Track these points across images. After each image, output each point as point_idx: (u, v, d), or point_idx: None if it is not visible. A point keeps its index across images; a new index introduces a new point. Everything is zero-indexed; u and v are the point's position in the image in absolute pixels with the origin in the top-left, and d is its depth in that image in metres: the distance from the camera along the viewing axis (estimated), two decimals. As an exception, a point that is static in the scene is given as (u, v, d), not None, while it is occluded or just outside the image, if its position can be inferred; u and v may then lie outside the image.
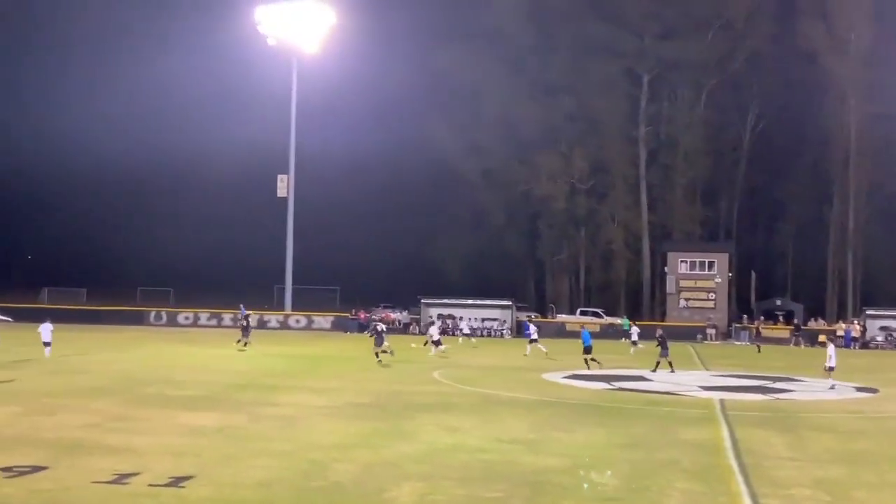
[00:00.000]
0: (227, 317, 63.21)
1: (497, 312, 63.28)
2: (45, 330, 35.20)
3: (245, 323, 42.80)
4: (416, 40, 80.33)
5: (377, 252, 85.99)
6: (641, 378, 31.76)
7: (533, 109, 77.85)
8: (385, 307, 69.91)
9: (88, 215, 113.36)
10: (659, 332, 39.92)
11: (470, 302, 64.07)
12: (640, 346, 46.03)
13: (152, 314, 66.41)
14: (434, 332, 42.27)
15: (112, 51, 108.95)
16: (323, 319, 65.08)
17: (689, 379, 32.23)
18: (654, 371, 33.47)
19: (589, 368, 33.84)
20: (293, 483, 13.60)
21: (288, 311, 67.15)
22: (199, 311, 65.61)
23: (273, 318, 64.88)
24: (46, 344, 34.76)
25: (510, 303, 64.65)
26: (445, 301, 64.33)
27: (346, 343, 48.51)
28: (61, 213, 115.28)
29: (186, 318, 65.38)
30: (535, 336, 43.20)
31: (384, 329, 37.67)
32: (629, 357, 42.31)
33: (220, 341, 46.32)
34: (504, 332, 62.42)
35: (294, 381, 28.55)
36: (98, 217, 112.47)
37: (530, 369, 33.92)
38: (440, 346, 40.71)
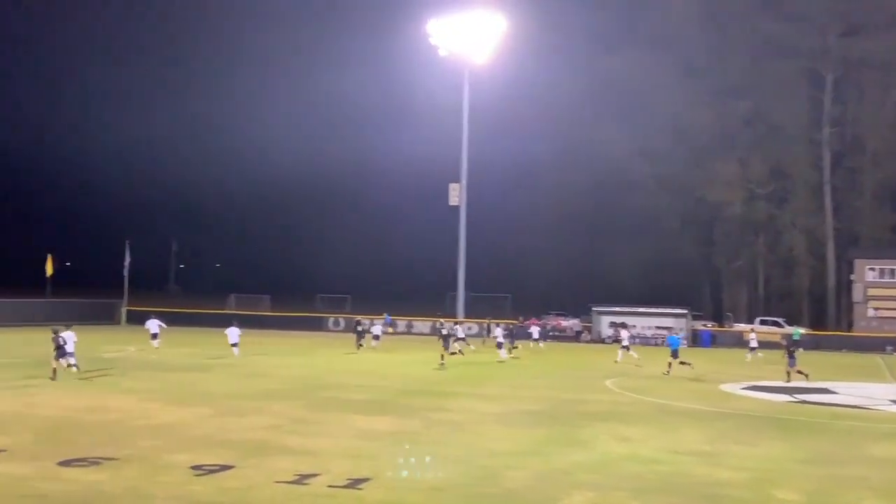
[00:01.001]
0: (402, 323, 64.48)
1: (671, 321, 61.86)
2: (233, 333, 38.15)
3: (360, 328, 44.71)
4: (586, 46, 79.88)
5: (548, 259, 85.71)
6: (826, 391, 30.40)
7: (707, 113, 75.97)
8: (557, 315, 69.64)
9: (272, 225, 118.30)
10: (785, 342, 38.89)
11: (643, 310, 62.94)
12: (759, 354, 44.76)
13: (330, 320, 68.50)
14: (499, 333, 43.20)
15: (290, 67, 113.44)
16: (495, 327, 65.30)
17: (878, 392, 30.65)
18: (787, 382, 32.10)
19: (667, 371, 34.41)
20: (466, 488, 13.75)
21: (461, 318, 67.85)
22: (375, 317, 67.17)
23: (446, 326, 65.68)
24: (234, 345, 37.61)
25: (685, 311, 63.10)
26: (617, 309, 63.41)
27: (517, 350, 48.52)
28: (247, 223, 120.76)
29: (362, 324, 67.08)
30: (626, 343, 42.61)
31: (449, 332, 39.66)
32: (747, 365, 41.27)
33: (394, 347, 47.33)
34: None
35: (466, 387, 28.84)
36: (281, 227, 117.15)
37: (706, 379, 33.05)
38: (503, 352, 41.73)
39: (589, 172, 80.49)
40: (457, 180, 69.84)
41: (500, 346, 42.32)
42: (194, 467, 14.67)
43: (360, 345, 44.72)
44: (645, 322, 61.61)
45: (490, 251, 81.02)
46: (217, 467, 14.74)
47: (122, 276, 70.43)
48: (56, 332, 28.53)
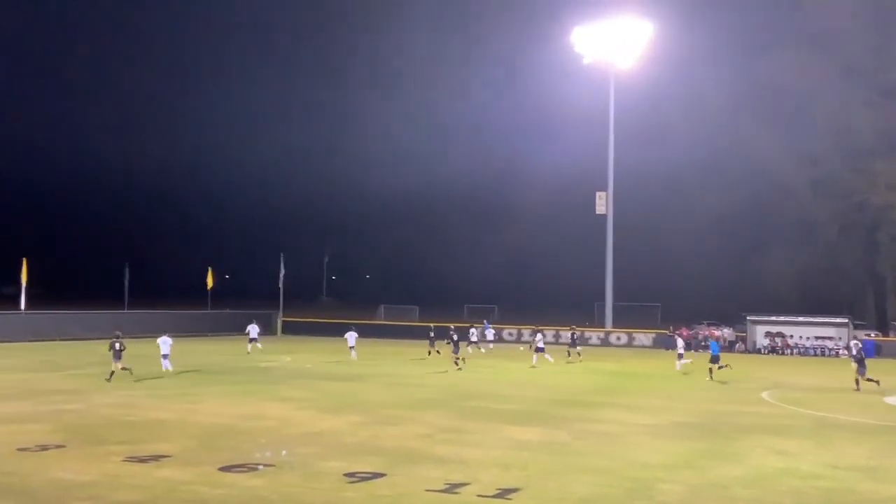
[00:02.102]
0: (549, 333, 64.19)
1: (832, 331, 59.32)
2: (351, 337, 42.92)
3: (455, 337, 41.41)
4: (737, 49, 77.87)
5: (699, 267, 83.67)
6: None
7: (868, 114, 72.60)
8: (709, 324, 67.87)
9: (421, 237, 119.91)
10: (855, 350, 37.09)
11: (801, 319, 60.61)
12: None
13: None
14: (539, 339, 43.29)
15: (436, 78, 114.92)
16: (644, 336, 64.29)
17: None
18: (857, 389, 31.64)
19: (710, 377, 34.70)
20: (616, 501, 13.56)
21: (609, 327, 67.06)
22: (522, 327, 67.12)
23: (594, 335, 65.07)
24: (351, 348, 42.35)
25: (846, 320, 60.40)
26: (773, 318, 61.29)
27: (668, 361, 47.52)
28: (396, 235, 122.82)
29: (510, 333, 67.11)
30: (541, 345, 42.42)
31: (464, 337, 41.91)
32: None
33: (542, 357, 47.07)
34: (840, 351, 58.42)
35: (616, 398, 28.45)
36: (430, 238, 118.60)
37: (869, 391, 31.53)
38: (546, 355, 42.18)
39: (741, 178, 78.27)
40: (603, 189, 69.11)
41: (540, 350, 42.27)
42: (347, 475, 14.99)
43: (437, 352, 43.49)
44: (804, 332, 59.33)
45: (638, 260, 79.74)
46: (369, 475, 15.01)
47: (278, 289, 72.74)
48: (117, 338, 30.35)
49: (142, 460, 15.99)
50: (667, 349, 57.49)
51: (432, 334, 45.86)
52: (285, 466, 15.66)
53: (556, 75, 79.56)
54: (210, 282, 69.45)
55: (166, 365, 34.01)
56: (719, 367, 35.23)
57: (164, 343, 34.56)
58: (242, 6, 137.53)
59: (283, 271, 72.84)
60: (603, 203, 68.76)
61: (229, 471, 15.20)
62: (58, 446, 17.39)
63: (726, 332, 64.45)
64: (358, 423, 21.44)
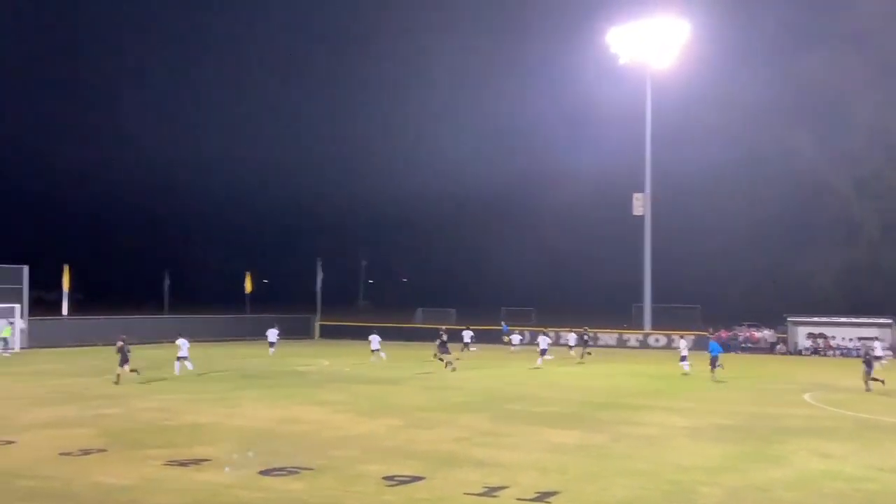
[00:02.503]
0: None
1: (875, 331, 58.44)
2: (374, 340, 44.00)
3: (445, 338, 41.25)
4: (776, 47, 77.18)
5: (739, 268, 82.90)
6: None
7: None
8: (749, 325, 67.15)
9: (458, 239, 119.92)
10: (864, 350, 36.73)
11: (843, 320, 59.80)
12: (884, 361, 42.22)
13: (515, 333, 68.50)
14: (542, 342, 43.59)
15: (470, 81, 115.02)
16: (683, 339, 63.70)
17: None
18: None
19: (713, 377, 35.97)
20: (656, 504, 13.46)
21: (647, 329, 66.62)
22: (560, 329, 66.82)
23: (632, 338, 64.69)
24: (374, 351, 43.43)
25: (890, 320, 59.48)
26: (815, 319, 60.54)
27: (708, 363, 47.07)
28: (433, 238, 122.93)
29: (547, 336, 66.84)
30: (544, 346, 43.25)
31: (448, 339, 41.38)
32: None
33: (573, 359, 46.92)
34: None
35: (655, 400, 28.24)
36: (466, 241, 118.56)
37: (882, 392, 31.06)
38: (547, 356, 42.65)
39: (780, 178, 77.52)
40: (640, 190, 68.70)
41: (543, 352, 42.52)
42: (386, 478, 15.00)
43: (440, 358, 41.50)
44: (846, 333, 58.55)
45: (677, 261, 79.10)
46: (408, 478, 15.01)
47: (315, 293, 73.08)
48: (124, 342, 31.78)
49: (182, 464, 16.12)
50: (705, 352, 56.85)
51: (444, 337, 45.45)
52: (324, 470, 15.70)
53: (592, 76, 79.24)
54: (248, 286, 69.96)
55: (180, 367, 35.07)
56: (712, 369, 36.28)
57: (183, 345, 35.69)
58: (281, 8, 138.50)
59: (320, 275, 73.19)
60: (640, 204, 68.34)
61: (269, 474, 15.28)
62: (99, 450, 17.59)
63: (767, 334, 63.82)
64: (395, 426, 21.47)
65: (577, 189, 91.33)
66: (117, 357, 31.46)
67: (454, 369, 38.33)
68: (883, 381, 31.81)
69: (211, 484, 14.49)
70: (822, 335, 58.75)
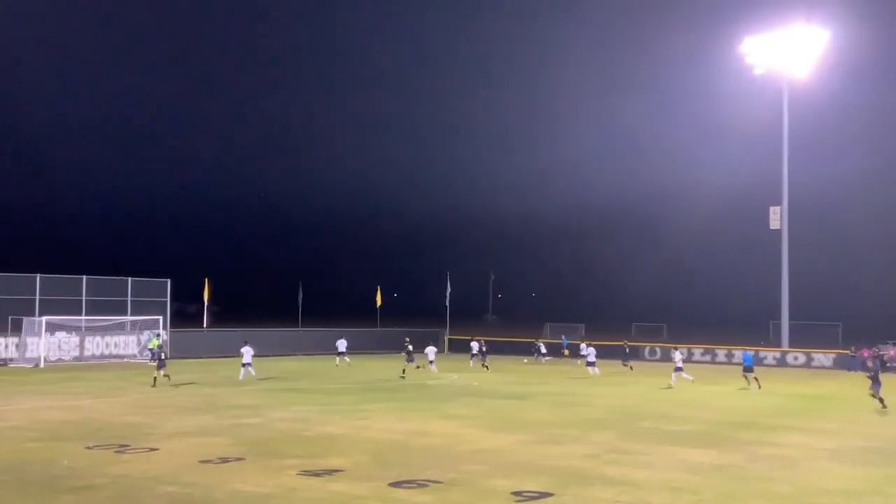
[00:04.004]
0: (721, 352, 62.30)
1: None
2: (431, 352, 46.19)
3: (409, 348, 45.05)
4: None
5: (884, 283, 79.44)
6: None
7: None
8: (894, 344, 64.22)
9: (587, 255, 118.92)
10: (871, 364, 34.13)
11: None
12: None
13: (647, 349, 67.53)
14: (677, 358, 42.74)
15: (598, 93, 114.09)
16: (823, 357, 61.41)
17: None
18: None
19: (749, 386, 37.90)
20: (797, 528, 12.98)
21: (785, 347, 64.45)
22: (693, 346, 65.43)
23: (769, 355, 62.68)
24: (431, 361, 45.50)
25: None
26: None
27: (849, 383, 45.28)
28: (562, 253, 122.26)
29: (681, 353, 65.56)
30: (592, 359, 43.88)
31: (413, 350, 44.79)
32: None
33: (715, 377, 45.79)
34: None
35: (794, 420, 27.27)
36: (596, 256, 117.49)
37: None
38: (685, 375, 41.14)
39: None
40: (777, 203, 66.62)
41: (678, 370, 40.87)
42: (515, 493, 14.95)
43: (409, 367, 43.78)
44: None
45: (816, 276, 76.42)
46: (537, 494, 14.92)
47: (444, 306, 73.62)
48: (160, 348, 38.29)
49: (316, 474, 16.45)
50: (848, 370, 54.78)
51: (409, 347, 45.84)
52: (454, 483, 15.76)
53: (726, 87, 77.56)
54: (379, 300, 71.06)
55: (245, 373, 37.93)
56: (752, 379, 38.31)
57: (247, 353, 38.38)
58: (405, 22, 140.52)
59: (449, 289, 73.69)
60: (777, 218, 66.25)
61: (400, 486, 15.44)
62: (237, 459, 18.12)
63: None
64: (525, 441, 21.38)
65: (711, 202, 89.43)
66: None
67: (403, 377, 41.27)
68: (883, 404, 30.27)
69: (343, 495, 14.73)
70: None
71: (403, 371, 42.49)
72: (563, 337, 63.87)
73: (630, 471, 17.35)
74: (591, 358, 44.10)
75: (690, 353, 64.38)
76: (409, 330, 61.08)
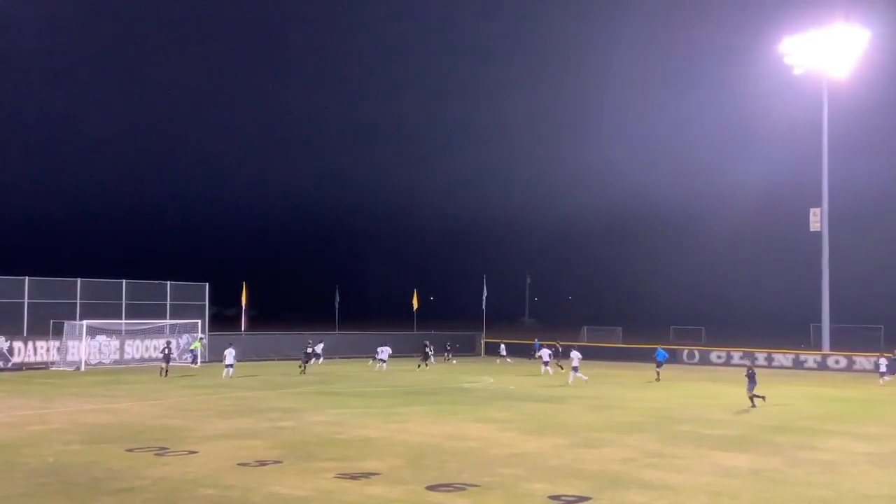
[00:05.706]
0: (761, 356, 61.68)
1: None
2: (544, 353, 46.83)
3: (310, 350, 49.29)
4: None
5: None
6: None
7: None
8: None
9: (625, 258, 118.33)
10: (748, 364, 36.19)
11: None
12: None
13: (685, 352, 66.99)
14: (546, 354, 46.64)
15: (637, 93, 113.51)
16: (865, 360, 60.61)
17: None
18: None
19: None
20: (837, 534, 12.84)
21: (826, 350, 63.67)
22: (732, 349, 64.84)
23: (810, 359, 61.97)
24: (553, 363, 46.01)
25: None
26: None
27: (893, 386, 44.62)
28: (599, 256, 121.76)
29: (719, 356, 64.94)
30: (575, 363, 42.20)
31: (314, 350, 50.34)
32: None
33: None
34: None
35: (834, 424, 26.93)
36: (633, 259, 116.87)
37: None
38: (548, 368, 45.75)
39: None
40: (817, 204, 65.86)
41: (574, 369, 41.71)
42: (552, 497, 14.93)
43: (303, 370, 45.72)
44: None
45: (857, 278, 75.44)
46: (574, 498, 14.89)
47: (481, 310, 73.56)
48: (167, 345, 45.26)
49: (353, 477, 16.53)
50: (892, 374, 53.94)
51: (309, 350, 49.73)
52: (490, 487, 15.76)
53: (765, 87, 76.86)
54: (415, 303, 71.18)
55: (226, 374, 41.23)
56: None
57: (230, 354, 42.26)
58: (441, 25, 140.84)
59: (485, 293, 73.61)
60: (817, 220, 65.49)
61: (436, 490, 15.47)
62: (275, 462, 18.25)
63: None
64: (561, 445, 21.33)
65: (750, 204, 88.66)
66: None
67: (303, 372, 44.57)
68: (764, 398, 31.50)
69: (380, 498, 14.79)
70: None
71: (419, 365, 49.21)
72: (535, 340, 62.95)
73: (667, 475, 17.25)
74: (576, 362, 42.79)
75: (729, 356, 63.91)
76: (449, 334, 61.30)
